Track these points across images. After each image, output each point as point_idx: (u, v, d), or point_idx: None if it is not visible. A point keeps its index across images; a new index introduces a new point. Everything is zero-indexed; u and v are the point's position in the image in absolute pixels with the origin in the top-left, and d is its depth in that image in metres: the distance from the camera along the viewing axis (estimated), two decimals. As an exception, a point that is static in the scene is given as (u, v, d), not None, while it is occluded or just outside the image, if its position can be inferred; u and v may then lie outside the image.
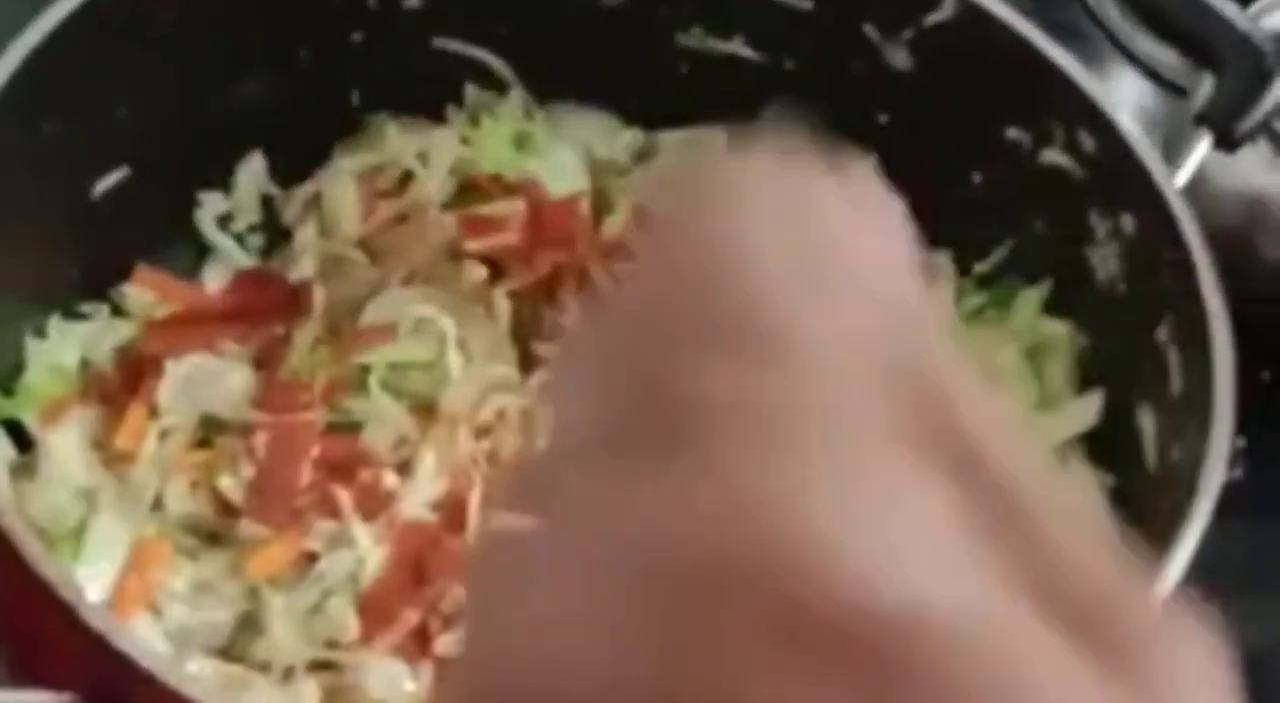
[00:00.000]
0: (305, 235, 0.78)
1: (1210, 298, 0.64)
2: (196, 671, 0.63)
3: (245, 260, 0.78)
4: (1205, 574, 0.61)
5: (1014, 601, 0.23)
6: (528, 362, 0.75)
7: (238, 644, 0.67)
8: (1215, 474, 0.61)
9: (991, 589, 0.23)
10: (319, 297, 0.75)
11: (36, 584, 0.50)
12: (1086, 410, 0.72)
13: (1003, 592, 0.23)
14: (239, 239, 0.78)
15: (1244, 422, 0.64)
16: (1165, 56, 0.89)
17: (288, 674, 0.65)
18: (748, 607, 0.22)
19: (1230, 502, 0.62)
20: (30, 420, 0.69)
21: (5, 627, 0.60)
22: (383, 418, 0.71)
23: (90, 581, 0.64)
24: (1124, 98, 0.89)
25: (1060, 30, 0.77)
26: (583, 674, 0.23)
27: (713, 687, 0.23)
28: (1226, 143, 0.71)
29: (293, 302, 0.76)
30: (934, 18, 0.74)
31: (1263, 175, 0.81)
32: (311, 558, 0.68)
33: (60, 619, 0.50)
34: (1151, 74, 0.91)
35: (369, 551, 0.67)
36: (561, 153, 0.80)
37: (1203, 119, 0.71)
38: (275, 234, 0.79)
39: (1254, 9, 0.80)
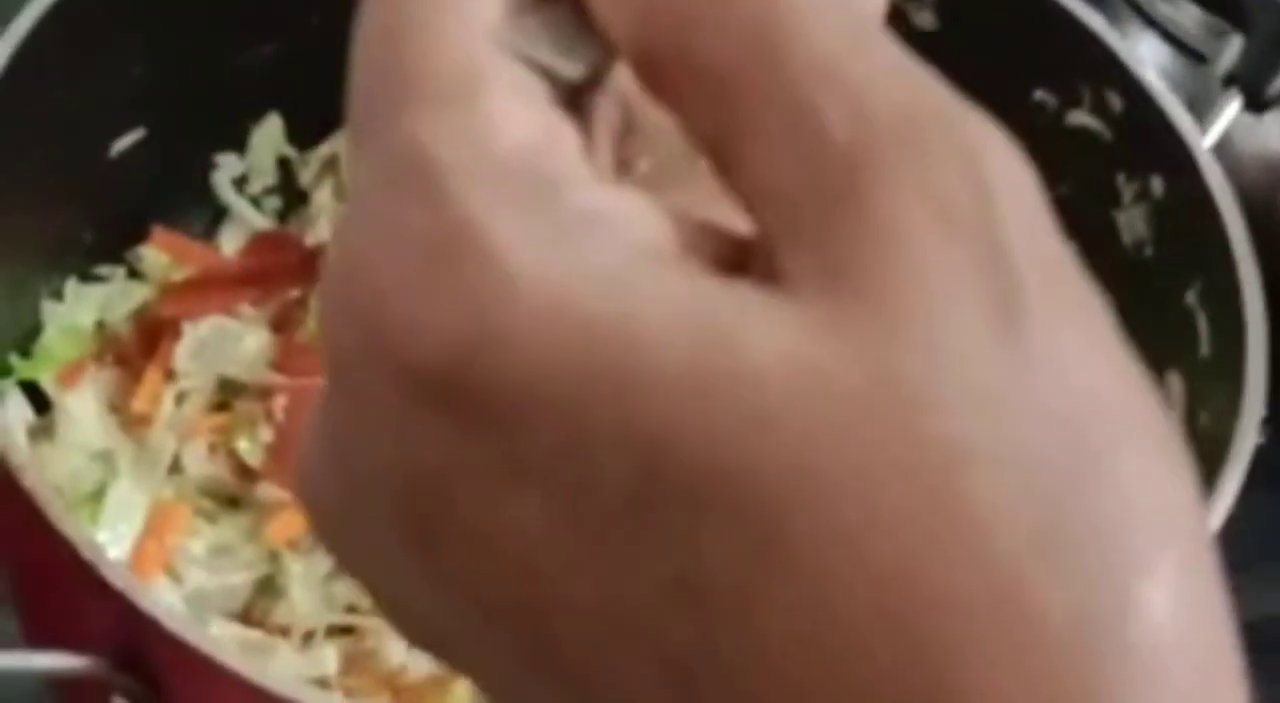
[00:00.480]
0: (322, 197, 0.77)
1: (1242, 261, 0.63)
2: (217, 634, 0.63)
3: (261, 223, 0.78)
4: (1228, 543, 0.60)
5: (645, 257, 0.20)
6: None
7: (256, 609, 0.66)
8: (1247, 440, 0.60)
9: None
10: (336, 259, 0.74)
11: (58, 546, 0.49)
12: (1112, 375, 0.72)
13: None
14: (255, 201, 0.78)
15: (1271, 388, 0.64)
16: (1186, 20, 0.88)
17: (307, 639, 0.64)
18: None
19: (1256, 470, 0.62)
20: (47, 383, 0.69)
21: (25, 590, 0.59)
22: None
23: (109, 545, 0.64)
24: (1144, 62, 0.89)
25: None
26: None
27: None
28: (1256, 104, 0.71)
29: (309, 264, 0.75)
30: (960, -23, 0.73)
31: (1286, 138, 0.80)
32: (331, 522, 0.67)
33: (82, 581, 0.49)
34: (1171, 38, 0.90)
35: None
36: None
37: (1232, 80, 0.71)
38: (292, 196, 0.78)
39: (1281, -30, 0.79)
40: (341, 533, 0.23)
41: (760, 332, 0.20)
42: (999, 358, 0.20)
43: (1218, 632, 0.21)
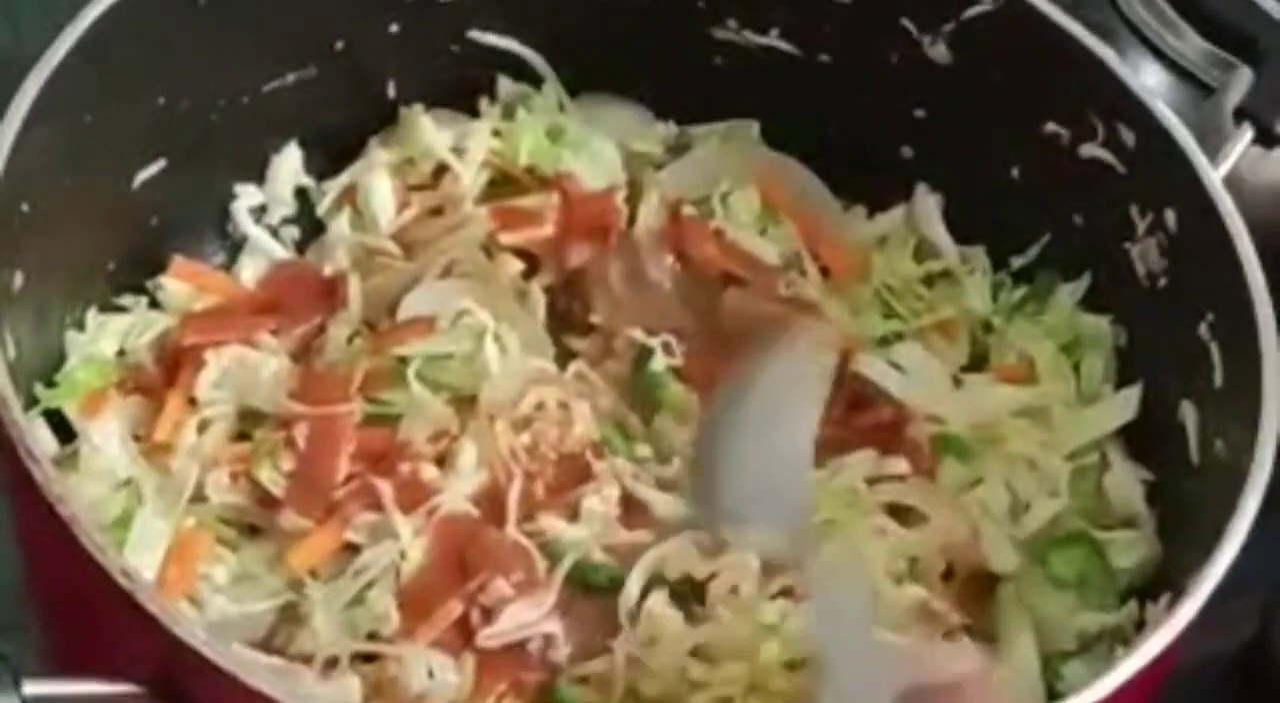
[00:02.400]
0: (339, 227, 0.78)
1: (1256, 292, 0.64)
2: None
3: (280, 252, 0.78)
4: (1241, 569, 0.61)
5: None
6: (563, 355, 0.75)
7: (278, 637, 0.67)
8: (1264, 467, 0.61)
9: None
10: (355, 289, 0.75)
11: (93, 574, 0.49)
12: (1125, 405, 0.72)
13: None
14: (274, 231, 0.79)
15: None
16: (1192, 52, 0.89)
17: (329, 666, 0.65)
18: None
19: (1271, 498, 0.62)
20: (71, 412, 0.69)
21: (60, 618, 0.60)
22: (421, 411, 0.71)
23: (134, 572, 0.64)
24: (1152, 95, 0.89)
25: (1088, 28, 0.77)
26: None
27: None
28: (1266, 137, 0.71)
29: (328, 294, 0.76)
30: (973, 11, 0.74)
31: (1294, 170, 0.81)
32: (351, 550, 0.68)
33: (117, 609, 0.50)
34: (1179, 71, 0.91)
35: (410, 542, 0.67)
36: (596, 145, 0.80)
37: (1242, 114, 0.72)
38: (310, 226, 0.79)
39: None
40: None
41: None
42: None
43: None
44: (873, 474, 0.71)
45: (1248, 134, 0.71)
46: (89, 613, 0.54)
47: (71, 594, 0.55)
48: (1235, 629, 0.76)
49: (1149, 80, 0.91)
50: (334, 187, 0.79)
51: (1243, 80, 0.75)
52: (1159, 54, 0.91)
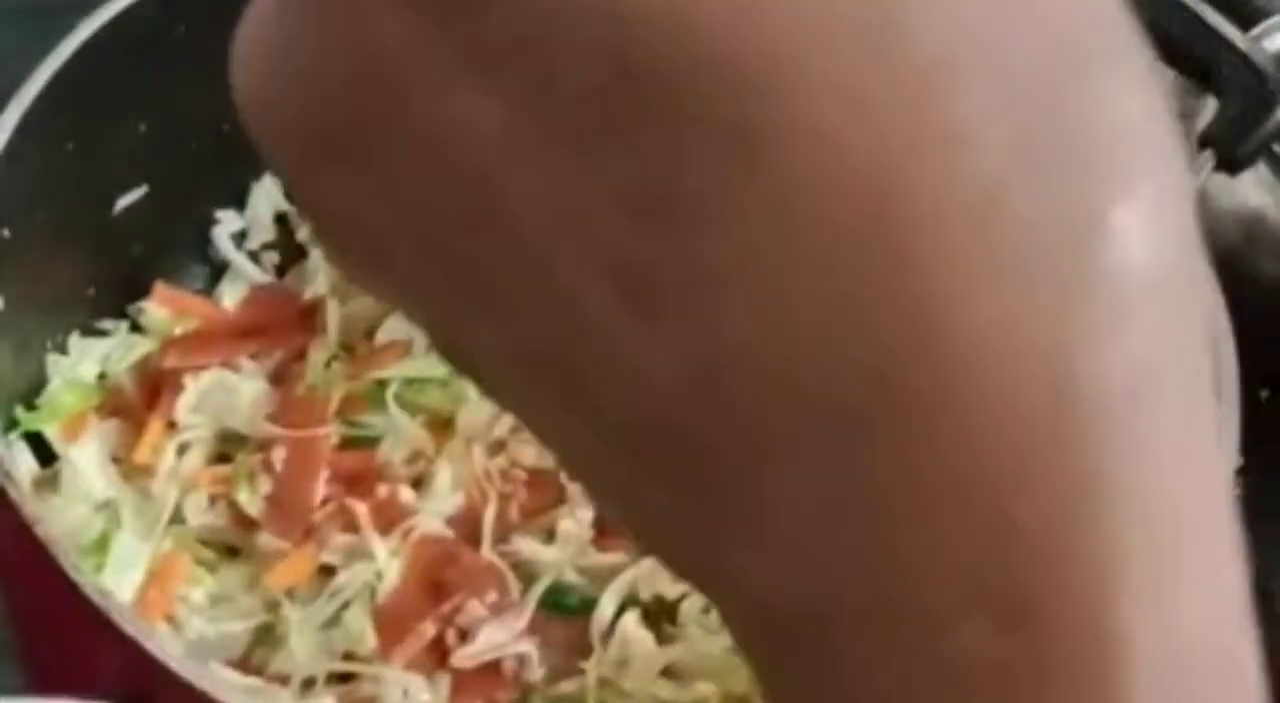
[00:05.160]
0: (320, 253, 0.79)
1: (1219, 319, 0.65)
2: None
3: (260, 277, 0.79)
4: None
5: None
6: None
7: (255, 657, 0.67)
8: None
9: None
10: (333, 314, 0.76)
11: (69, 595, 0.50)
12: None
13: None
14: (254, 256, 0.79)
15: (1243, 441, 0.65)
16: (1162, 78, 0.90)
17: (306, 687, 0.66)
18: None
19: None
20: (52, 434, 0.70)
21: (32, 639, 0.60)
22: (399, 433, 0.72)
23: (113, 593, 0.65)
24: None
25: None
26: None
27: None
28: (1230, 165, 0.72)
29: (307, 318, 0.77)
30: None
31: (1261, 195, 0.82)
32: (329, 571, 0.69)
33: (93, 628, 0.51)
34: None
35: (386, 564, 0.68)
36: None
37: (1206, 141, 0.73)
38: (290, 251, 0.80)
39: (1256, 30, 0.81)
40: (284, 130, 0.21)
41: None
42: None
43: (1190, 274, 0.20)
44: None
45: (1210, 162, 0.72)
46: (67, 633, 0.55)
47: (49, 614, 0.56)
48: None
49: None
50: (314, 212, 0.80)
51: (1208, 108, 0.76)
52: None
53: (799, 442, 0.19)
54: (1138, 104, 0.20)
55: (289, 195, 0.80)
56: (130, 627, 0.49)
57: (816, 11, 0.19)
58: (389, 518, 0.69)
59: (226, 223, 0.79)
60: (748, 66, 0.18)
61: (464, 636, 0.67)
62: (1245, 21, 0.82)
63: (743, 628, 0.21)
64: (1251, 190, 0.82)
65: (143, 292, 0.76)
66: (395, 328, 0.75)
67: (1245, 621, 0.21)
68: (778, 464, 0.19)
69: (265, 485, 0.70)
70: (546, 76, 0.19)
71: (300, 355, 0.75)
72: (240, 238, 0.80)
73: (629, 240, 0.19)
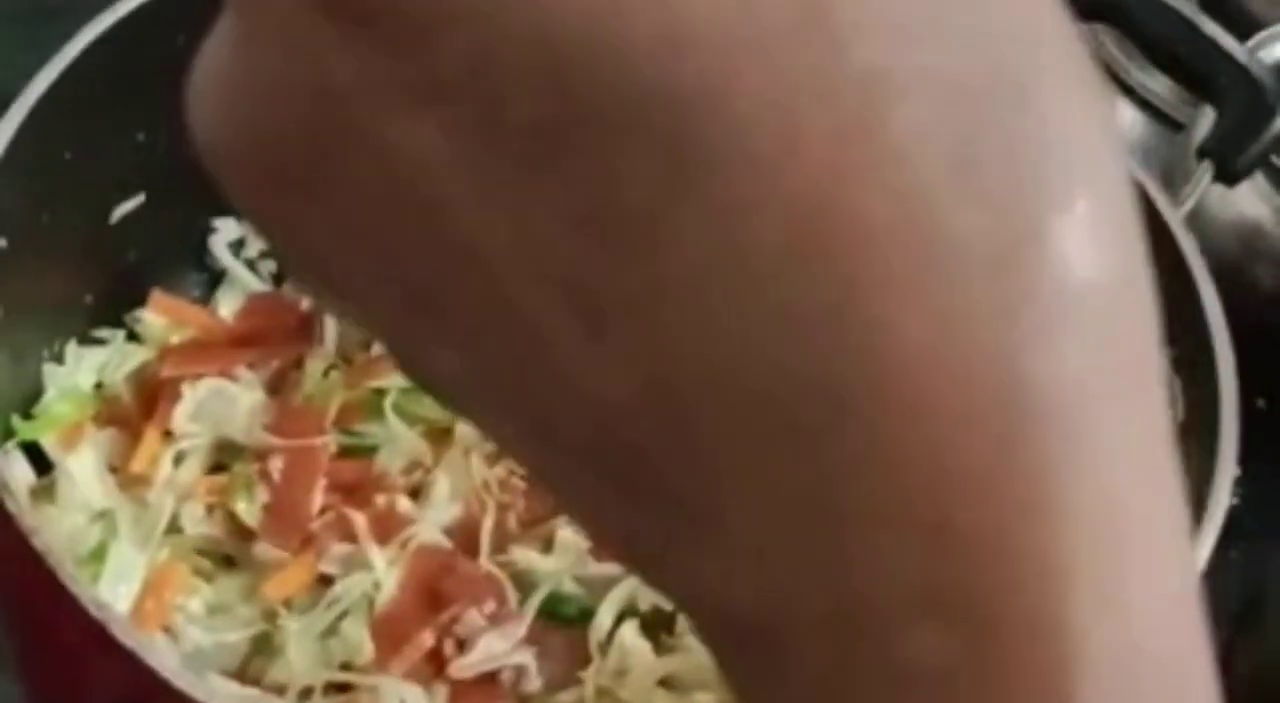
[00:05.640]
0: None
1: (1215, 331, 0.65)
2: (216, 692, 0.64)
3: (258, 286, 0.79)
4: (1201, 604, 0.62)
5: None
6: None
7: (252, 667, 0.67)
8: (1221, 504, 0.62)
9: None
10: (331, 323, 0.76)
11: (66, 607, 0.50)
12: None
13: None
14: (251, 265, 0.79)
15: (1240, 450, 0.65)
16: (1161, 89, 0.90)
17: (304, 697, 0.65)
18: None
19: (1226, 530, 0.63)
20: (48, 444, 0.70)
21: (30, 652, 0.60)
22: (396, 443, 0.72)
23: (110, 603, 0.65)
24: (1118, 129, 0.91)
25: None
26: None
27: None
28: (1228, 176, 0.73)
29: (305, 327, 0.77)
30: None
31: (1258, 206, 0.82)
32: (326, 581, 0.69)
33: (89, 642, 0.51)
34: (1147, 106, 0.92)
35: (384, 573, 0.68)
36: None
37: (1205, 152, 0.73)
38: (288, 260, 0.80)
39: (1253, 41, 0.81)
40: (239, 164, 0.21)
41: None
42: None
43: (1131, 281, 0.21)
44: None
45: (1208, 173, 0.72)
46: (65, 645, 0.55)
47: (47, 626, 0.56)
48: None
49: (1121, 117, 0.92)
50: (311, 221, 0.80)
51: (1208, 116, 0.76)
52: (1130, 91, 0.92)
53: (750, 454, 0.20)
54: (1078, 118, 0.20)
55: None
56: (128, 639, 0.49)
57: (749, 33, 0.19)
58: (387, 528, 0.69)
59: (224, 231, 0.79)
60: (683, 93, 0.19)
61: (462, 646, 0.67)
62: (1241, 29, 0.82)
63: (708, 634, 0.22)
64: (1249, 201, 0.82)
65: (140, 300, 0.75)
66: (393, 337, 0.75)
67: (1195, 619, 0.21)
68: (731, 477, 0.20)
69: (263, 495, 0.70)
70: (493, 107, 0.19)
71: (298, 364, 0.75)
72: (238, 246, 0.79)
73: (578, 261, 0.19)
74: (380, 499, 0.70)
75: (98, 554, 0.68)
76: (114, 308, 0.75)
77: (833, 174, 0.19)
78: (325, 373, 0.75)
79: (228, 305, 0.78)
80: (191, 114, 0.22)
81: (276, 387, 0.74)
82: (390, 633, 0.67)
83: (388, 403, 0.72)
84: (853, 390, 0.19)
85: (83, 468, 0.70)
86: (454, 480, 0.71)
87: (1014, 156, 0.19)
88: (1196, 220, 0.73)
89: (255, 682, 0.66)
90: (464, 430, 0.72)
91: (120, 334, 0.75)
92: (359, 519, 0.69)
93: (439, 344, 0.21)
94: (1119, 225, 0.20)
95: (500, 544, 0.69)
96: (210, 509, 0.70)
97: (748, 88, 0.19)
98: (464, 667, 0.66)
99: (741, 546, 0.20)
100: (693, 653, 0.67)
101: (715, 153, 0.19)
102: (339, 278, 0.22)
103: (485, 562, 0.69)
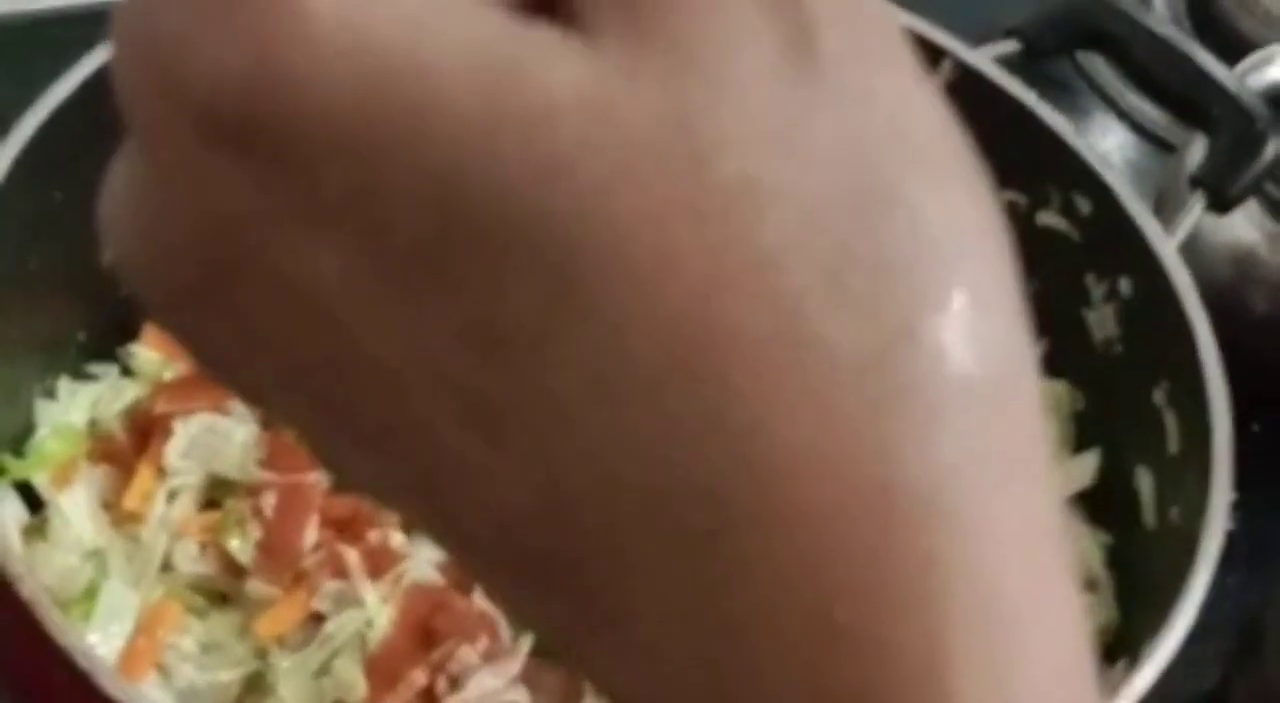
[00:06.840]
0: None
1: (1208, 361, 0.65)
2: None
3: (250, 320, 0.79)
4: (1201, 629, 0.62)
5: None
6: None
7: (245, 705, 0.67)
8: (1216, 535, 0.62)
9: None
10: (324, 356, 0.76)
11: (54, 655, 0.50)
12: (1083, 470, 0.73)
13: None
14: (244, 299, 0.79)
15: (1236, 475, 0.65)
16: (1154, 113, 0.90)
17: (296, 735, 0.65)
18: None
19: (1224, 555, 0.63)
20: (40, 482, 0.70)
21: (23, 696, 0.60)
22: (389, 478, 0.72)
23: (101, 644, 0.65)
24: (1111, 152, 0.90)
25: (1048, 85, 0.78)
26: None
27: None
28: (1220, 205, 0.72)
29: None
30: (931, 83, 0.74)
31: (1252, 231, 0.82)
32: (319, 619, 0.68)
33: (77, 689, 0.50)
34: (1140, 130, 0.92)
35: (377, 610, 0.68)
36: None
37: (1197, 182, 0.73)
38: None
39: (1243, 65, 0.81)
40: (148, 281, 0.22)
41: (556, 72, 0.19)
42: (790, 95, 0.20)
43: (1012, 372, 0.21)
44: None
45: (1200, 202, 0.72)
46: (55, 692, 0.55)
47: (35, 673, 0.56)
48: (1199, 675, 0.77)
49: (1112, 140, 0.92)
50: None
51: (1199, 144, 0.76)
52: (1122, 114, 0.92)
53: (648, 556, 0.20)
54: (954, 214, 0.21)
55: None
56: (115, 690, 0.49)
57: (617, 155, 0.19)
58: (379, 563, 0.69)
59: (216, 265, 0.79)
60: (559, 215, 0.19)
61: (455, 683, 0.67)
62: (1232, 49, 0.82)
63: None
64: (1243, 228, 0.82)
65: (132, 335, 0.75)
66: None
67: (1089, 690, 0.21)
68: (633, 577, 0.20)
69: (255, 531, 0.70)
70: (378, 228, 0.20)
71: (291, 399, 0.75)
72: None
73: (471, 374, 0.20)
74: (373, 535, 0.70)
75: (91, 593, 0.67)
76: (107, 343, 0.75)
77: (708, 286, 0.19)
78: (318, 407, 0.75)
79: (221, 340, 0.78)
80: (103, 231, 0.23)
81: (269, 422, 0.74)
82: (383, 671, 0.67)
83: (380, 438, 0.72)
84: (736, 494, 0.20)
85: (75, 506, 0.69)
86: (447, 516, 0.70)
87: (886, 258, 0.20)
88: (1190, 246, 0.73)
89: (248, 721, 0.66)
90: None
91: (113, 369, 0.74)
92: (351, 555, 0.69)
93: (348, 446, 0.22)
94: (998, 316, 0.21)
95: (493, 580, 0.69)
96: (203, 546, 0.70)
97: (621, 207, 0.19)
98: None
99: (646, 643, 0.20)
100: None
101: (596, 269, 0.19)
102: (249, 383, 0.22)
103: (479, 598, 0.68)
